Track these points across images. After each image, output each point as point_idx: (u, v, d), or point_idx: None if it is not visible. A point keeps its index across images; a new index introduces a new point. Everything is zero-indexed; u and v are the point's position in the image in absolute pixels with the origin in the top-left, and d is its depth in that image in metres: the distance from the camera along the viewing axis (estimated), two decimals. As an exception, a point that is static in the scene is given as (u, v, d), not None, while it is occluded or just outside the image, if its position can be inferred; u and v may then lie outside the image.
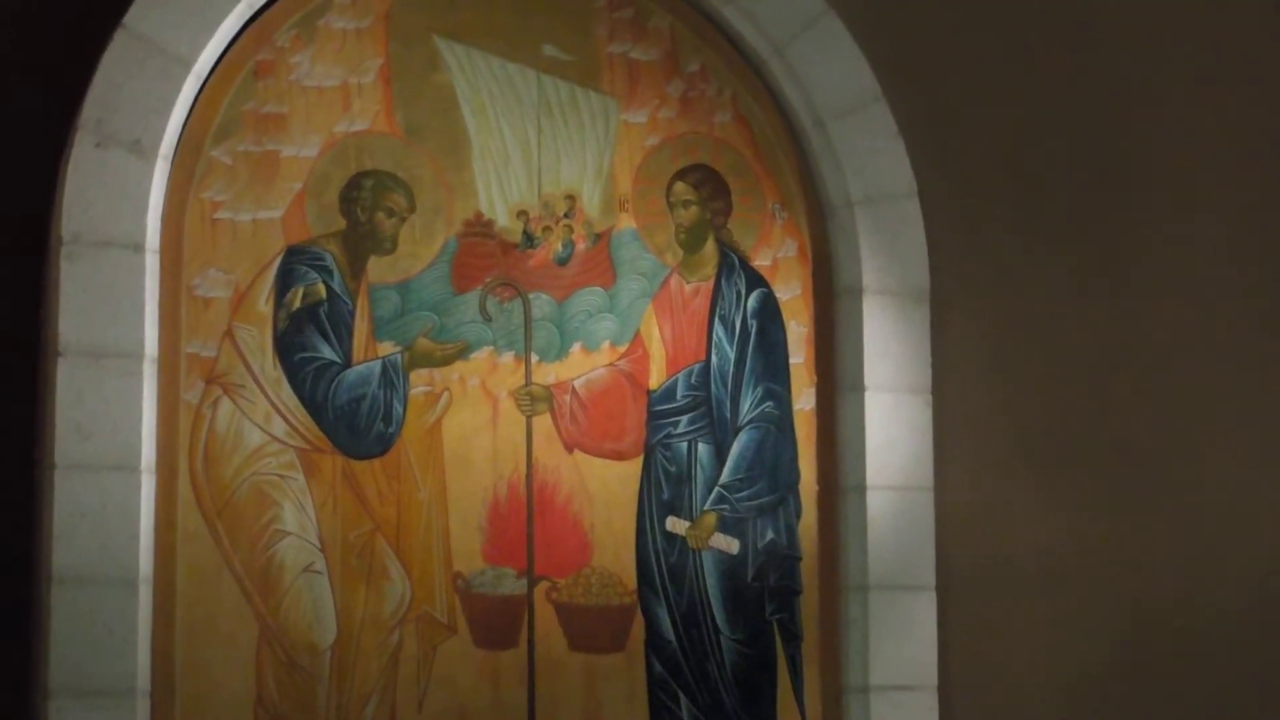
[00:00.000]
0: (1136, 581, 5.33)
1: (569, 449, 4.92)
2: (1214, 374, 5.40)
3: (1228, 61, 5.43)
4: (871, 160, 5.20)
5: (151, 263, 4.59)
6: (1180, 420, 5.41)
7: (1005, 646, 5.24)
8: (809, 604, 5.07)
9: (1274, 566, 5.26)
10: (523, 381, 4.90)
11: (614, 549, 4.94)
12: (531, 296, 4.93)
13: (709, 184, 5.12)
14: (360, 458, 4.75)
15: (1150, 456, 5.40)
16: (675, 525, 4.97)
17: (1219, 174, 5.37)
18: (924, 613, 5.10)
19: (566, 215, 4.99)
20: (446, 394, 4.84)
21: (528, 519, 4.87)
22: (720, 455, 5.05)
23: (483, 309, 4.88)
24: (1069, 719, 5.30)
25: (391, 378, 4.80)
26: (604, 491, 4.95)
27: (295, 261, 4.77)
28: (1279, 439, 5.30)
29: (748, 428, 5.07)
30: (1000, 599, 5.25)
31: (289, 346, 4.73)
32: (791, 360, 5.12)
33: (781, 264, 5.17)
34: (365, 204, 4.84)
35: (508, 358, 4.90)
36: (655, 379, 5.03)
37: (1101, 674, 5.28)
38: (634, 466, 4.98)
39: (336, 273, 4.80)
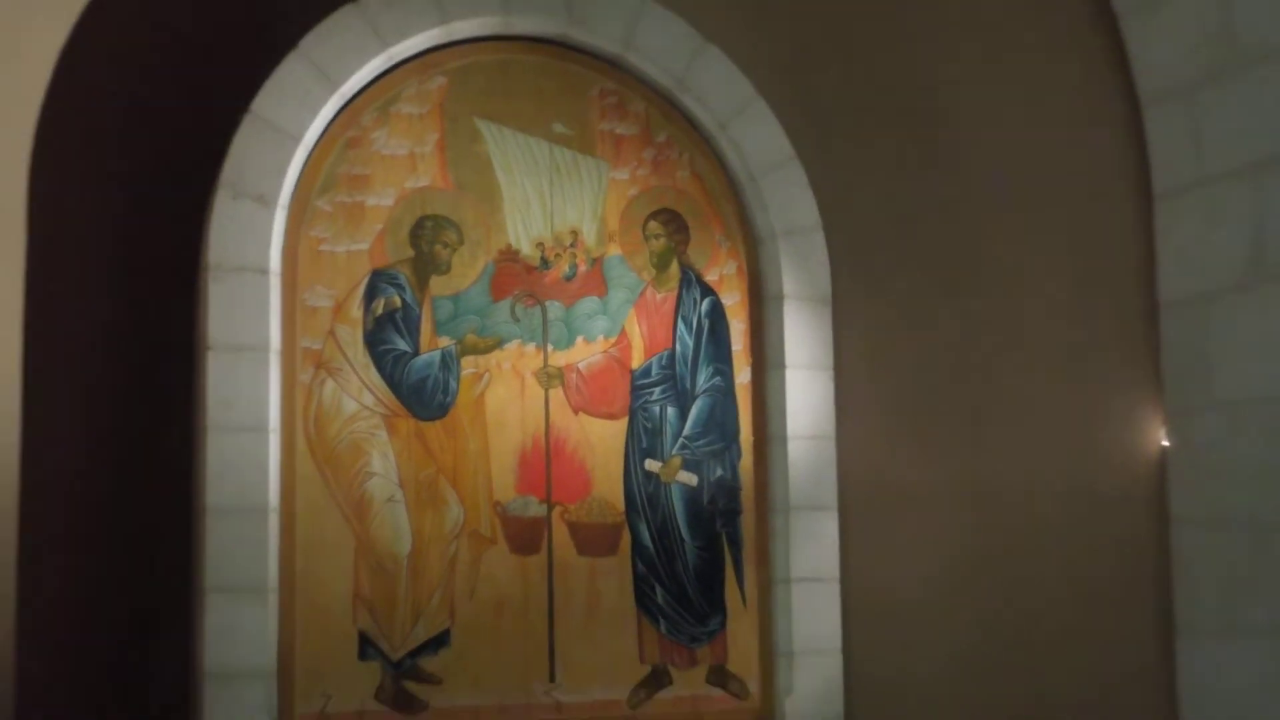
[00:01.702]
0: (978, 499, 5.28)
1: (575, 412, 5.00)
2: (1031, 354, 5.26)
3: (1046, 127, 5.28)
4: (789, 204, 5.25)
5: (274, 282, 4.72)
6: (1007, 387, 5.29)
7: (886, 549, 5.28)
8: (747, 521, 5.15)
9: (1072, 489, 5.11)
10: (541, 364, 4.98)
11: (608, 483, 5.01)
12: (547, 304, 5.00)
13: (673, 222, 5.17)
14: (427, 420, 4.84)
15: (986, 412, 5.33)
16: (651, 465, 5.06)
17: (1034, 216, 5.28)
18: (828, 526, 5.19)
19: (571, 245, 5.05)
20: (488, 374, 4.91)
21: (546, 462, 4.95)
22: (683, 415, 5.11)
23: (512, 313, 4.97)
24: (931, 599, 5.27)
25: (448, 362, 4.88)
26: (601, 442, 5.01)
27: (378, 280, 4.84)
28: (1074, 403, 5.17)
29: (702, 395, 5.14)
30: (883, 515, 5.29)
31: (374, 341, 4.82)
32: (734, 348, 5.19)
33: (725, 279, 5.22)
34: (428, 238, 4.90)
35: (530, 348, 4.97)
36: (636, 361, 5.10)
37: (954, 566, 5.28)
38: (621, 424, 5.06)
39: (408, 288, 4.87)
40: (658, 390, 5.13)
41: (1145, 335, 4.92)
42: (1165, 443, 4.82)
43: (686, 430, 5.13)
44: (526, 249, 5.04)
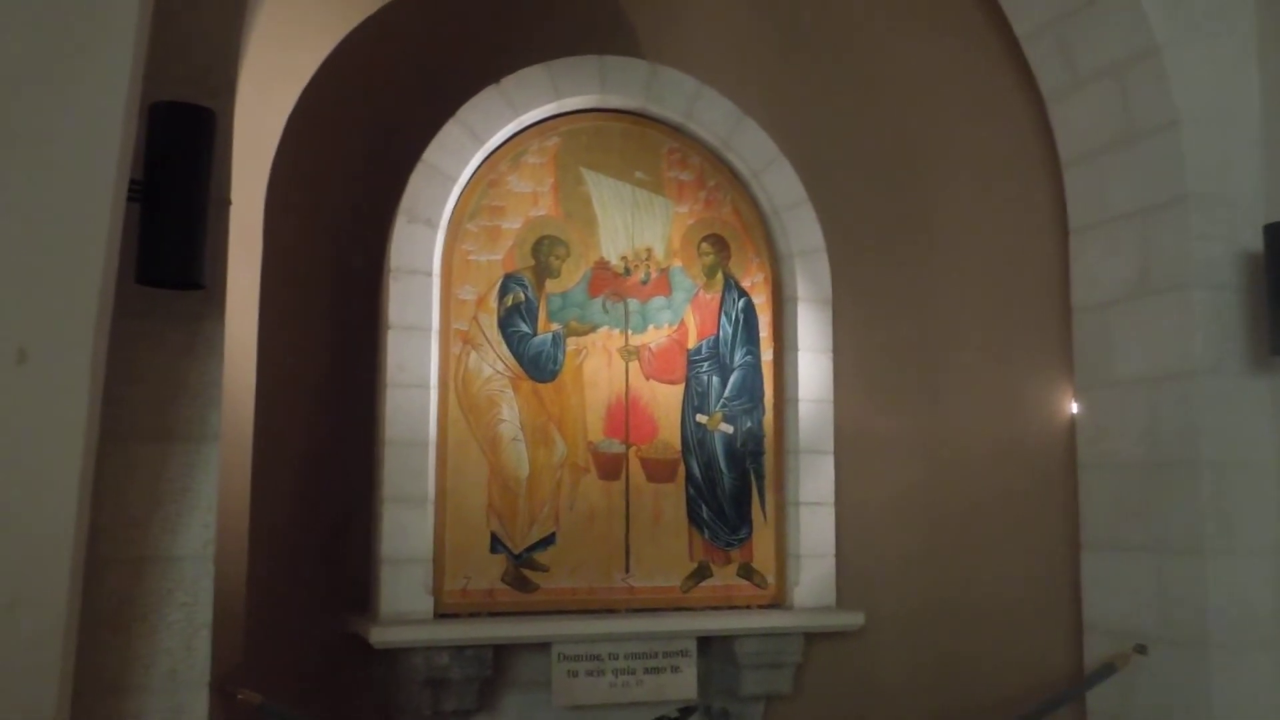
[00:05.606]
0: (933, 448, 5.34)
1: (647, 379, 4.99)
2: (975, 344, 5.32)
3: (991, 180, 5.32)
4: (801, 232, 5.22)
5: (435, 282, 4.71)
6: (956, 367, 5.33)
7: (866, 481, 5.29)
8: (768, 459, 5.13)
9: (1003, 441, 5.16)
10: (624, 344, 4.98)
11: (670, 430, 4.99)
12: (628, 300, 5.00)
13: (719, 244, 5.16)
14: (541, 382, 4.82)
15: (940, 386, 5.37)
16: (701, 418, 5.04)
17: (981, 243, 5.34)
18: (827, 465, 5.18)
19: (646, 259, 5.04)
20: (585, 350, 4.91)
21: (626, 414, 4.95)
22: (724, 382, 5.09)
23: (604, 307, 4.95)
24: (897, 519, 5.30)
25: (557, 341, 4.86)
26: (666, 401, 5.01)
27: (508, 281, 4.84)
28: (1006, 379, 5.19)
29: (738, 369, 5.12)
30: (864, 457, 5.29)
31: (505, 324, 4.81)
32: (761, 335, 5.17)
33: (756, 285, 5.20)
34: (544, 252, 4.90)
35: (616, 332, 4.96)
36: (691, 343, 5.07)
37: (914, 495, 5.33)
38: (680, 388, 5.03)
39: (529, 287, 4.87)
40: (706, 364, 5.10)
41: (1060, 332, 5.01)
42: (1075, 409, 4.90)
43: (726, 393, 5.11)
44: (615, 261, 5.03)
